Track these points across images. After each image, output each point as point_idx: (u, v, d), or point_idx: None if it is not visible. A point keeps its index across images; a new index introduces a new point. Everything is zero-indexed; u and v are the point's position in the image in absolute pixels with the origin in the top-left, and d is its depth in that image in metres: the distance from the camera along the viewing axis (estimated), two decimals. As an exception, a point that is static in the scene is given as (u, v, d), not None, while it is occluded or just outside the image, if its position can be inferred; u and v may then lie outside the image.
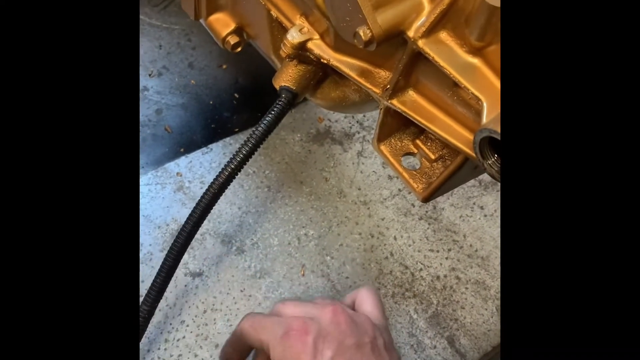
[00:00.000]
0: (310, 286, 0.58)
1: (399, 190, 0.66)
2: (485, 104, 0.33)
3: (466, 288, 0.61)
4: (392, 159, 0.46)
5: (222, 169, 0.43)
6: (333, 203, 0.63)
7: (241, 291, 0.55)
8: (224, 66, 0.70)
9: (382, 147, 0.46)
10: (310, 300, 0.43)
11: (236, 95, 0.68)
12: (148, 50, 0.69)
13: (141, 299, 0.45)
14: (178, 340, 0.51)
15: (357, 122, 0.70)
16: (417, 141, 0.45)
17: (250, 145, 0.43)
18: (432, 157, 0.44)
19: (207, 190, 0.43)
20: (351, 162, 0.67)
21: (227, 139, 0.64)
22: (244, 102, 0.68)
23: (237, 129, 0.65)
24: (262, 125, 0.44)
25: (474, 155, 0.33)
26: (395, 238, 0.63)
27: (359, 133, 0.70)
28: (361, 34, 0.34)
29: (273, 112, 0.44)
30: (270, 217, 0.61)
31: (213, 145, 0.63)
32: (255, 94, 0.69)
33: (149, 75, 0.67)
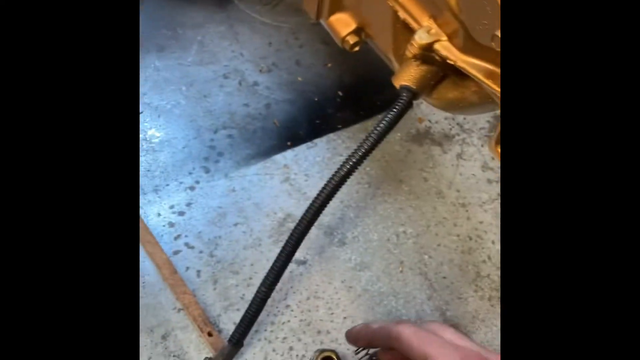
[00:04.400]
0: (407, 283, 0.59)
1: (498, 194, 0.66)
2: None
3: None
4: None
5: (343, 162, 0.45)
6: (432, 203, 0.64)
7: (342, 282, 0.57)
8: (329, 65, 0.72)
9: (499, 150, 0.46)
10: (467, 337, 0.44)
11: (340, 93, 0.70)
12: (259, 47, 0.72)
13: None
14: (283, 323, 0.54)
15: (458, 124, 0.71)
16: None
17: (371, 141, 0.45)
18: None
19: (330, 179, 0.45)
20: (450, 163, 0.67)
21: (331, 135, 0.66)
22: (347, 100, 0.70)
23: (340, 126, 0.67)
24: (383, 122, 0.45)
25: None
26: (493, 242, 0.63)
27: (458, 135, 0.70)
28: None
29: (394, 110, 0.45)
30: (370, 212, 0.62)
31: (317, 141, 0.66)
32: (358, 92, 0.71)
33: (260, 71, 0.70)
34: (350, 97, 0.70)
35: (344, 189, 0.63)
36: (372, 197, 0.63)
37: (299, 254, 0.58)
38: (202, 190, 0.60)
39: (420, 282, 0.59)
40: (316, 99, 0.69)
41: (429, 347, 0.40)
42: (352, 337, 0.48)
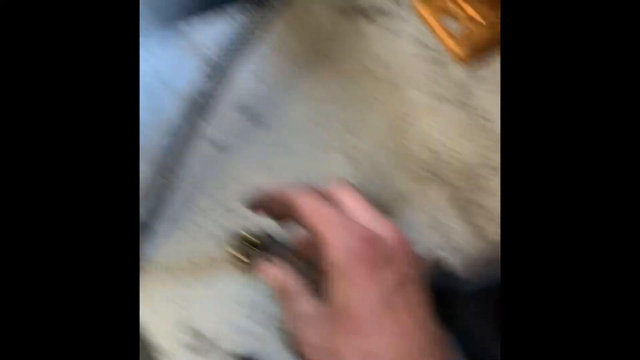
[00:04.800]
0: (331, 164, 0.56)
1: (433, 72, 0.62)
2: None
3: (495, 177, 0.59)
4: (429, 18, 0.42)
5: (244, 28, 0.40)
6: (360, 81, 0.60)
7: (265, 166, 0.54)
8: None
9: (419, 5, 0.42)
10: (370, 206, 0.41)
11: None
12: None
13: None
14: (204, 210, 0.51)
15: (391, -4, 0.65)
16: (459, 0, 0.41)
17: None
18: (481, 20, 0.40)
19: (229, 51, 0.40)
20: (380, 39, 0.62)
21: (246, 5, 0.60)
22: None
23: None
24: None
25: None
26: (424, 121, 0.60)
27: (390, 8, 0.64)
28: None
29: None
30: (293, 91, 0.58)
31: (228, 7, 0.59)
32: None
33: None
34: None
35: (264, 68, 0.58)
36: (297, 75, 0.59)
37: (218, 139, 0.54)
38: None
39: (346, 163, 0.56)
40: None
41: (327, 226, 0.38)
42: (251, 204, 0.45)
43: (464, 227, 0.56)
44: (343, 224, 0.38)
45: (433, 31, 0.42)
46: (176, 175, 0.44)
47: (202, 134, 0.52)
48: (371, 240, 0.37)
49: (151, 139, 0.52)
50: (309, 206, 0.39)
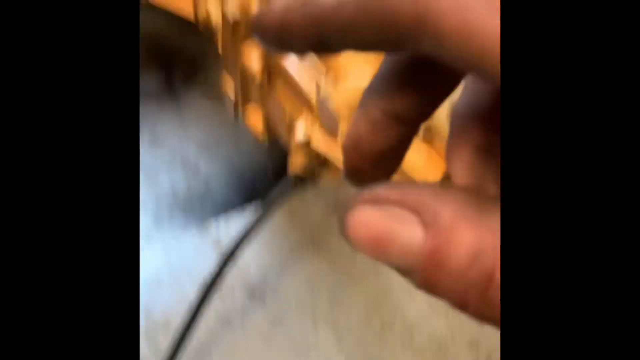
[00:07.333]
0: (322, 337, 0.65)
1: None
2: None
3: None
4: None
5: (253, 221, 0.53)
6: (346, 263, 0.71)
7: (261, 338, 0.64)
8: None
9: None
10: None
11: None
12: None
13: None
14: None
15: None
16: None
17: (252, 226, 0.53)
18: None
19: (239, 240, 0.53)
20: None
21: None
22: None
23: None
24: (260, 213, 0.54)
25: None
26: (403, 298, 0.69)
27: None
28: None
29: (274, 198, 0.54)
30: (289, 273, 0.69)
31: (248, 206, 0.74)
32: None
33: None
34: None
35: (266, 253, 0.71)
36: (294, 260, 0.71)
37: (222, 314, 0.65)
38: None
39: (332, 336, 0.65)
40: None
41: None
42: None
43: None
44: None
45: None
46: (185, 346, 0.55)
47: (211, 309, 0.64)
48: None
49: (174, 315, 0.64)
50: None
